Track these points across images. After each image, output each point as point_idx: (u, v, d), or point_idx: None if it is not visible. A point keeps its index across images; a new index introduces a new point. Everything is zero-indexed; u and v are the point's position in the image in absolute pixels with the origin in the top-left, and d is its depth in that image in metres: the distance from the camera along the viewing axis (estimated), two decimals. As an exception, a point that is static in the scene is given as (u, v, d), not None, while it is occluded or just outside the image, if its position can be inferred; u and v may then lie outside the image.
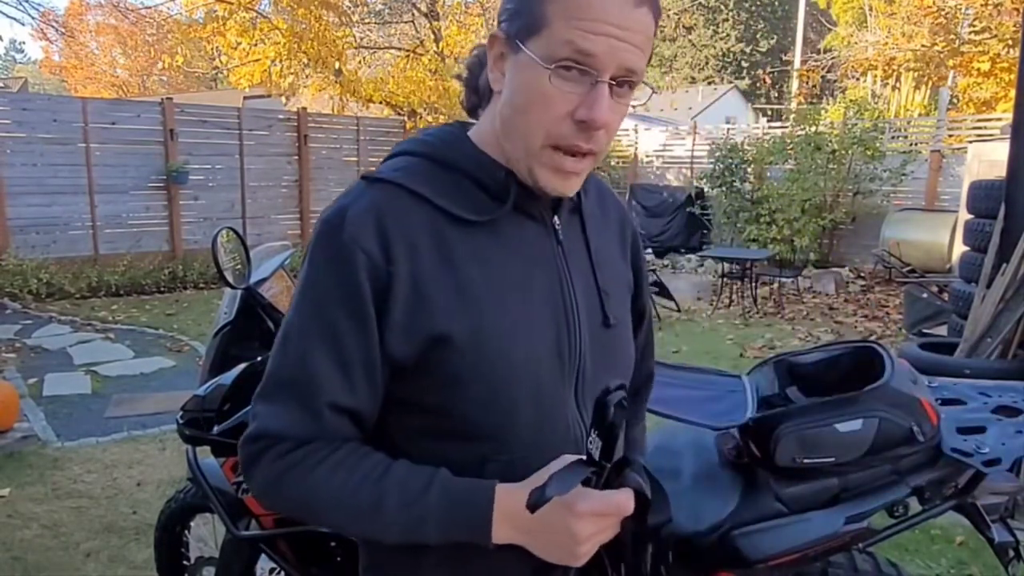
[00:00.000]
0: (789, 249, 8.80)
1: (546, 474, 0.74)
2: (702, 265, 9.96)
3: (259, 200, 9.84)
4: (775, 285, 7.94)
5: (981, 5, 12.56)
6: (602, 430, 0.75)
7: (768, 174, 9.91)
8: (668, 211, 11.12)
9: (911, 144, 9.95)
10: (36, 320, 6.78)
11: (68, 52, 25.66)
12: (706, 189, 10.74)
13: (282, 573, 1.70)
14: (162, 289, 8.37)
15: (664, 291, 6.94)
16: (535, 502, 0.70)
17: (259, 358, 1.63)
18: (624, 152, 12.50)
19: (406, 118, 12.29)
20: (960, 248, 4.82)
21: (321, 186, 10.37)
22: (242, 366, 1.61)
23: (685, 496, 1.26)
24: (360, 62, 15.08)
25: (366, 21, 16.33)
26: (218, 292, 7.47)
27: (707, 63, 30.50)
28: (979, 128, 9.44)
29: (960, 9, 13.24)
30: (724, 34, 30.13)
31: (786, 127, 10.26)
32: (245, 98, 15.58)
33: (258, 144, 9.76)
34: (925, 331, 5.42)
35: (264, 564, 1.75)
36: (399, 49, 14.84)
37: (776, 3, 29.82)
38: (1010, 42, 12.11)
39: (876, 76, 14.52)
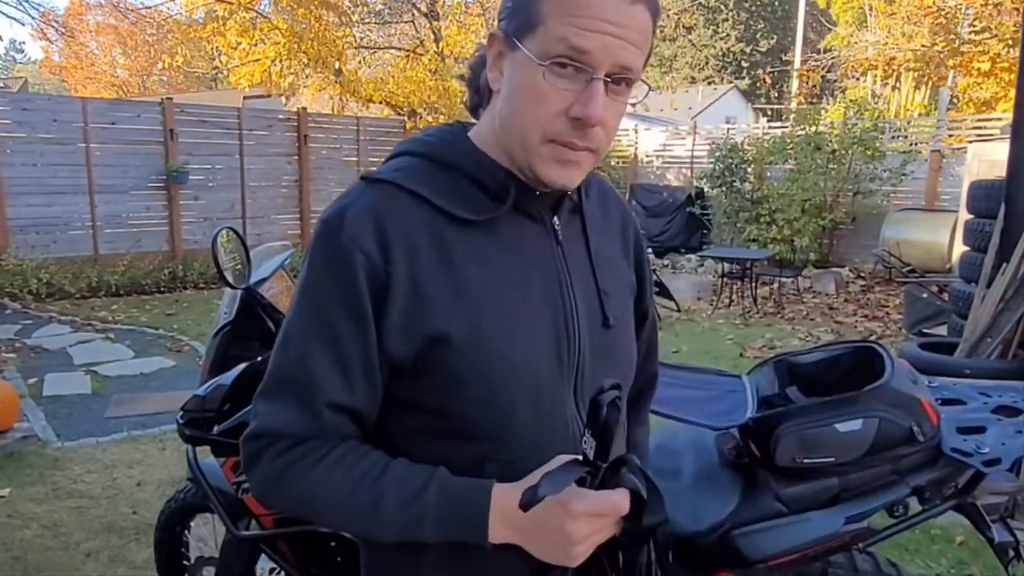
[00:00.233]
0: (789, 249, 8.79)
1: (540, 474, 0.74)
2: (702, 265, 9.95)
3: (259, 200, 9.83)
4: (775, 285, 7.94)
5: (981, 5, 12.56)
6: (596, 430, 0.75)
7: (768, 174, 9.91)
8: (668, 211, 11.11)
9: (911, 144, 9.94)
10: (36, 320, 6.77)
11: (68, 52, 25.66)
12: (706, 189, 10.74)
13: (282, 573, 1.70)
14: (162, 289, 8.36)
15: (664, 291, 6.89)
16: (527, 501, 0.70)
17: (259, 358, 1.62)
18: (624, 152, 12.50)
19: (406, 118, 12.29)
20: (960, 248, 4.82)
21: (321, 186, 10.37)
22: (242, 366, 1.61)
23: (685, 496, 1.26)
24: (360, 62, 15.07)
25: (366, 21, 16.31)
26: (218, 292, 7.47)
27: (707, 63, 30.50)
28: (979, 128, 9.44)
29: (960, 9, 13.23)
30: (724, 34, 30.13)
31: (786, 127, 10.25)
32: (245, 98, 15.61)
33: (258, 144, 9.76)
34: (925, 331, 5.42)
35: (264, 564, 1.75)
36: (399, 49, 14.84)
37: (776, 3, 29.82)
38: (1010, 42, 12.10)
39: (876, 76, 14.51)
